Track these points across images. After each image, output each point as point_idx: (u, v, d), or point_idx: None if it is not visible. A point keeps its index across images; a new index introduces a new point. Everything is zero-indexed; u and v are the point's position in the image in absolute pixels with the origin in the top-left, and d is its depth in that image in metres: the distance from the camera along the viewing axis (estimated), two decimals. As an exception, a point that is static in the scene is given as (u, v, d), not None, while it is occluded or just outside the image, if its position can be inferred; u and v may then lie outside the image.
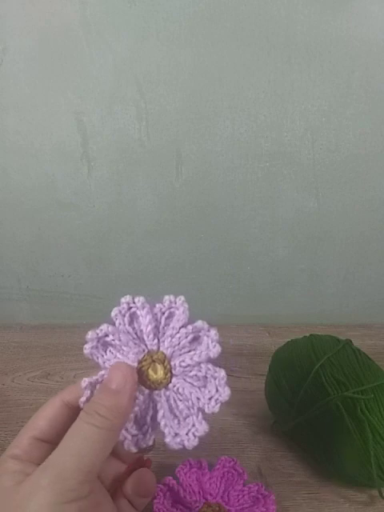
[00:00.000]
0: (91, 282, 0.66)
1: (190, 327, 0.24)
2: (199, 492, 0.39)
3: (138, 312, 0.25)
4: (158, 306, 0.26)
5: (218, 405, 0.23)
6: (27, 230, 0.62)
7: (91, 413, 0.22)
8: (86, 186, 0.58)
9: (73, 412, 0.25)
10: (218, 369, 0.24)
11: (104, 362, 0.25)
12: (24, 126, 0.55)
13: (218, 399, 0.23)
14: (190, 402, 0.23)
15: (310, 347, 0.45)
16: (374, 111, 0.54)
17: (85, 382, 0.24)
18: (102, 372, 0.24)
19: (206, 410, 0.23)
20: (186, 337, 0.24)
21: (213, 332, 0.24)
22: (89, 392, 0.24)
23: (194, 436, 0.23)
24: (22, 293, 0.67)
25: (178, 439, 0.23)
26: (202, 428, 0.23)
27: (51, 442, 0.24)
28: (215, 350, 0.23)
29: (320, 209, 0.60)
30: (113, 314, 0.26)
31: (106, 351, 0.25)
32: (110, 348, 0.25)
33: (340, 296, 0.68)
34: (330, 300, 0.68)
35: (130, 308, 0.26)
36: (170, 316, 0.25)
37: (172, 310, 0.25)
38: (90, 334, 0.25)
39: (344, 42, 0.50)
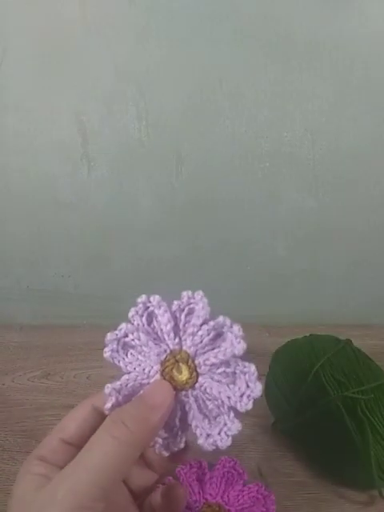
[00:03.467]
0: (91, 282, 0.66)
1: (211, 323, 0.23)
2: (199, 492, 0.39)
3: (156, 311, 0.25)
4: (176, 302, 0.25)
5: (251, 401, 0.22)
6: (27, 229, 0.62)
7: (117, 422, 0.21)
8: (85, 185, 0.58)
9: (102, 417, 0.24)
10: (247, 364, 0.23)
11: (126, 366, 0.24)
12: (24, 126, 0.55)
13: (249, 395, 0.22)
14: (219, 400, 0.22)
15: (309, 347, 0.45)
16: (374, 111, 0.54)
17: (108, 388, 0.23)
18: (126, 376, 0.24)
19: (239, 408, 0.22)
20: (208, 334, 0.23)
21: (236, 328, 0.23)
22: (114, 398, 0.23)
23: (227, 435, 0.22)
24: (21, 293, 0.67)
25: (211, 440, 0.22)
26: (235, 426, 0.22)
27: (78, 445, 0.23)
28: (240, 347, 0.22)
29: (320, 209, 0.60)
30: (130, 314, 0.25)
31: (127, 354, 0.25)
32: (131, 350, 0.25)
33: (340, 296, 0.68)
34: (330, 300, 0.68)
35: (146, 308, 0.25)
36: (190, 313, 0.24)
37: (191, 305, 0.24)
38: (109, 336, 0.24)
39: (344, 41, 0.50)
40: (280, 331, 0.65)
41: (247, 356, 0.23)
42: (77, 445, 0.24)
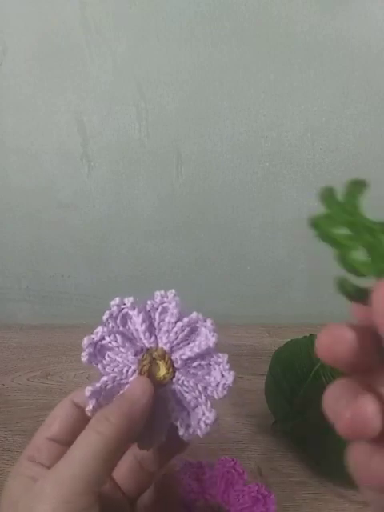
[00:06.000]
0: (91, 282, 0.66)
1: (185, 320, 0.24)
2: (199, 492, 0.39)
3: (130, 312, 0.25)
4: (149, 302, 0.26)
5: (226, 389, 0.24)
6: (27, 230, 0.62)
7: (101, 418, 0.22)
8: (86, 185, 0.58)
9: (83, 413, 0.25)
10: (220, 354, 0.24)
11: (104, 367, 0.24)
12: (24, 126, 0.55)
13: (225, 384, 0.24)
14: (196, 391, 0.24)
15: (310, 347, 0.45)
16: (374, 111, 0.54)
17: (88, 391, 0.23)
18: (105, 378, 0.24)
19: (216, 397, 0.24)
20: (183, 330, 0.24)
21: (209, 322, 0.24)
22: (94, 400, 0.23)
23: (206, 424, 0.23)
24: (21, 293, 0.67)
25: (191, 430, 0.23)
26: (212, 415, 0.23)
27: (63, 442, 0.24)
28: (213, 339, 0.24)
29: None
30: (104, 318, 0.25)
31: (104, 356, 0.25)
32: (109, 353, 0.25)
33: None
34: (330, 300, 0.68)
35: (121, 310, 0.25)
36: (164, 311, 0.25)
37: (164, 304, 0.25)
38: (86, 340, 0.24)
39: (344, 42, 0.50)
40: (280, 331, 0.65)
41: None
42: (62, 441, 0.24)
